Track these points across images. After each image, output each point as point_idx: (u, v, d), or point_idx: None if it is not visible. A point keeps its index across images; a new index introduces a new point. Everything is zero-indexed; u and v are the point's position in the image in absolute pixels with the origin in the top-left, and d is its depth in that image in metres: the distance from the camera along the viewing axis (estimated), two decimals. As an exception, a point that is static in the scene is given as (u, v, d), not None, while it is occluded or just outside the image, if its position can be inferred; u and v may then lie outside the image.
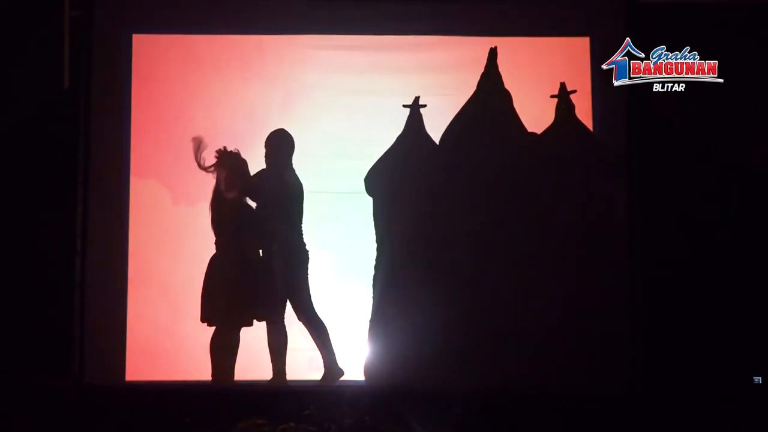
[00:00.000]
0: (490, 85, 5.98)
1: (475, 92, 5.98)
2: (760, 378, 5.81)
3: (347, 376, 5.91)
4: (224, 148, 5.87)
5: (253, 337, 5.90)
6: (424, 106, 5.99)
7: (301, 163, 6.00)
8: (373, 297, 5.89)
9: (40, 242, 5.95)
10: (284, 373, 5.89)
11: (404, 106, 6.00)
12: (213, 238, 5.89)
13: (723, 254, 5.95)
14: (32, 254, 5.95)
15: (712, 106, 6.11)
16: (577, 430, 5.49)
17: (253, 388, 5.87)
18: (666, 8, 6.19)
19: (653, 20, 6.08)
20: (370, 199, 5.97)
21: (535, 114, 6.03)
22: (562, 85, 6.01)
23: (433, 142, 5.97)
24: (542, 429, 5.50)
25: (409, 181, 5.89)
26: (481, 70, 6.03)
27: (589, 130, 6.02)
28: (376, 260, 5.90)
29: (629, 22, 6.04)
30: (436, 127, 6.01)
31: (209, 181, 5.90)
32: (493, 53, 5.98)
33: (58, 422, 5.52)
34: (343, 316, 5.98)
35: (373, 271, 5.92)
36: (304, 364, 5.97)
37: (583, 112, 6.06)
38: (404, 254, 5.85)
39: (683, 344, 5.87)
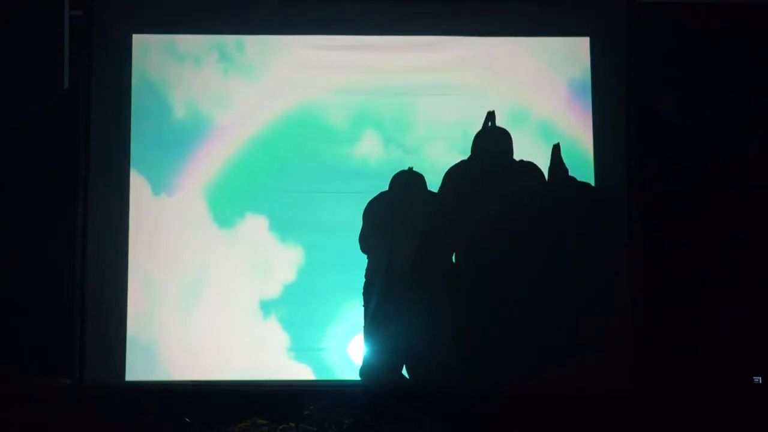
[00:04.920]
0: (487, 145, 5.98)
1: (473, 153, 5.99)
2: (760, 378, 5.82)
3: (348, 376, 5.93)
4: None
5: (253, 336, 5.92)
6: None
7: (299, 162, 6.04)
8: (369, 299, 5.88)
9: (40, 242, 5.94)
10: None
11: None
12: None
13: (723, 254, 5.95)
14: (32, 254, 5.94)
15: (712, 106, 6.14)
16: (576, 429, 5.49)
17: (253, 388, 5.86)
18: (667, 8, 6.22)
19: (653, 20, 6.12)
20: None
21: (534, 114, 6.06)
22: (555, 149, 6.00)
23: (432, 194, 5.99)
24: (542, 428, 5.50)
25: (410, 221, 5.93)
26: (482, 70, 6.07)
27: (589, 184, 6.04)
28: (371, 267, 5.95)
29: (629, 22, 6.04)
30: (436, 127, 6.04)
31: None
32: (490, 115, 5.99)
33: (58, 422, 5.52)
34: (342, 315, 5.98)
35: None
36: (302, 364, 5.98)
37: (584, 111, 6.07)
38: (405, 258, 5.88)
39: (683, 344, 5.87)
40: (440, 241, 5.90)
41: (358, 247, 5.93)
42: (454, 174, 5.94)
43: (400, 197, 5.97)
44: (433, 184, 5.99)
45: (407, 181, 5.99)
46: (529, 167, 5.95)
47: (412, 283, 5.83)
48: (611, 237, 5.92)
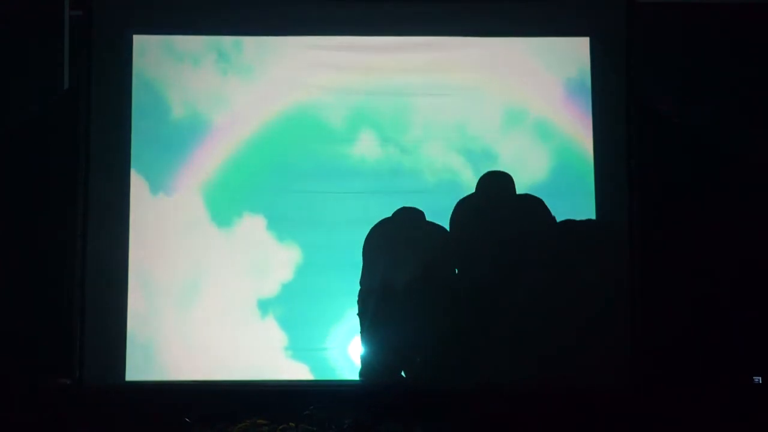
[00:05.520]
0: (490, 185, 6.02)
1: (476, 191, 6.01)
2: (760, 378, 5.81)
3: (346, 376, 5.93)
4: None
5: (251, 335, 5.93)
6: None
7: (297, 161, 6.05)
8: (366, 303, 5.89)
9: (40, 242, 5.95)
10: None
11: None
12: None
13: (723, 254, 5.94)
14: (32, 254, 5.95)
15: (713, 106, 6.14)
16: (576, 429, 5.49)
17: (253, 388, 5.87)
18: (667, 8, 6.22)
19: (653, 20, 6.12)
20: (368, 199, 6.00)
21: (532, 114, 6.08)
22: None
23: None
24: (542, 428, 5.50)
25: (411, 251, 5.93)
26: (480, 70, 6.08)
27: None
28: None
29: (629, 22, 6.05)
30: (434, 127, 6.06)
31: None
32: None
33: (58, 422, 5.52)
34: (341, 315, 5.98)
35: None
36: (300, 363, 5.98)
37: (582, 111, 6.08)
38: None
39: (683, 344, 5.87)
40: (443, 268, 5.90)
41: (354, 246, 5.90)
42: (459, 210, 5.95)
43: (402, 231, 5.97)
44: (431, 188, 6.04)
45: (408, 215, 5.98)
46: (531, 200, 5.96)
47: (411, 291, 5.83)
48: (611, 240, 5.94)
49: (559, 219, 5.88)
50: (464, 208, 5.93)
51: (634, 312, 5.86)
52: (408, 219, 5.95)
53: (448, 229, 5.89)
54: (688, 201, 6.01)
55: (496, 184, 5.98)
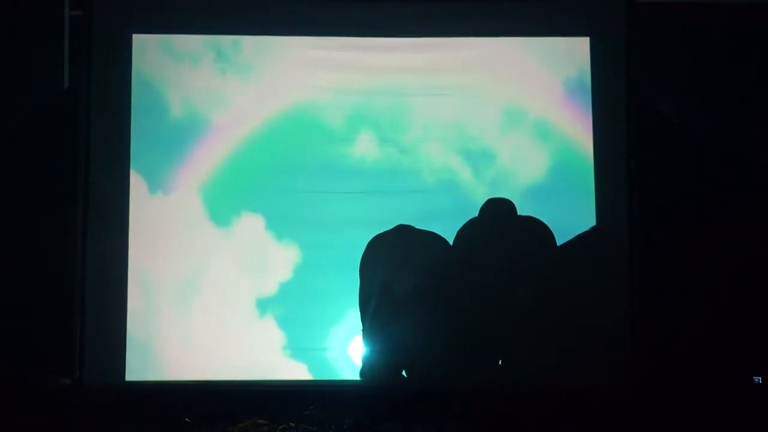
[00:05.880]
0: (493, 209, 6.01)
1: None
2: (760, 378, 5.81)
3: (345, 376, 5.92)
4: None
5: (250, 335, 5.94)
6: None
7: (295, 161, 6.05)
8: (367, 303, 5.88)
9: (41, 242, 5.95)
10: None
11: None
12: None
13: (723, 254, 5.94)
14: (32, 254, 5.95)
15: (713, 106, 6.14)
16: (576, 429, 5.49)
17: (253, 388, 5.87)
18: (667, 8, 6.22)
19: (653, 20, 6.13)
20: (367, 199, 6.02)
21: (531, 114, 6.08)
22: None
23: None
24: (542, 428, 5.50)
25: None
26: (479, 70, 6.09)
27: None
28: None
29: (629, 22, 6.05)
30: (433, 127, 6.06)
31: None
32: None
33: (58, 422, 5.53)
34: (340, 314, 5.98)
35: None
36: (299, 363, 5.98)
37: (582, 111, 6.08)
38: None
39: (683, 344, 5.87)
40: (444, 273, 5.91)
41: (353, 246, 5.90)
42: (462, 232, 5.94)
43: (399, 241, 5.97)
44: (430, 188, 6.04)
45: (403, 229, 5.97)
46: (532, 221, 5.97)
47: (413, 293, 5.83)
48: (611, 240, 5.94)
49: (558, 219, 5.89)
50: (467, 229, 5.93)
51: (634, 312, 5.85)
52: (404, 232, 5.94)
53: (444, 237, 5.90)
54: (688, 201, 6.01)
55: (497, 210, 5.98)
